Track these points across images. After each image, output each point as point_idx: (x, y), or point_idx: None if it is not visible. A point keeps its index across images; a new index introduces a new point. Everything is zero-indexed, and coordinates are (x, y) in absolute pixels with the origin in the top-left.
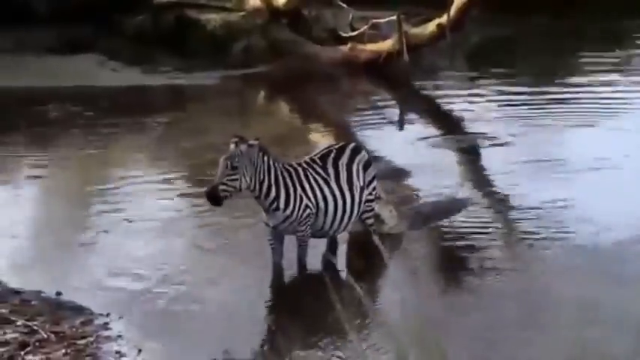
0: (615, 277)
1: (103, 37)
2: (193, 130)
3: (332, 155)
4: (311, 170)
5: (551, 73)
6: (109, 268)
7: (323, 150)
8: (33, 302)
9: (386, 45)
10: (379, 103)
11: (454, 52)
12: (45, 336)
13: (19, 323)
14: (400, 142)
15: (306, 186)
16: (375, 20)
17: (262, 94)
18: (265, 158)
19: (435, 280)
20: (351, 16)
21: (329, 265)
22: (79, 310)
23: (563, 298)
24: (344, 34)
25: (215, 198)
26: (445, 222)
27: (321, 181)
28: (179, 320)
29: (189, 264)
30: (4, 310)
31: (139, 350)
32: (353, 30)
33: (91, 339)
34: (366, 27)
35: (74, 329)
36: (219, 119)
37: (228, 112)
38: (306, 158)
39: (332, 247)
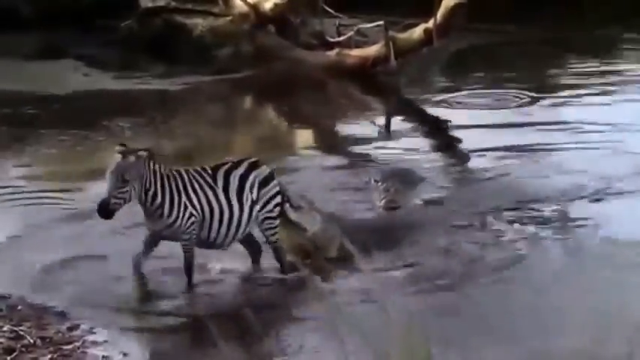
0: None
1: (84, 43)
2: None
3: (226, 166)
4: (199, 178)
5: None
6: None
7: (219, 162)
8: (19, 307)
9: (373, 50)
10: (366, 108)
11: (438, 58)
12: (31, 341)
13: (5, 328)
14: (387, 145)
15: (192, 194)
16: (361, 26)
17: (246, 98)
18: (152, 165)
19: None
20: (337, 21)
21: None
22: (65, 315)
23: None
24: (331, 39)
25: (107, 212)
26: None
27: (207, 189)
28: None
29: None
30: None
31: (124, 354)
32: (340, 35)
33: (78, 344)
34: (352, 32)
35: (60, 334)
36: (187, 123)
37: (200, 115)
38: (197, 167)
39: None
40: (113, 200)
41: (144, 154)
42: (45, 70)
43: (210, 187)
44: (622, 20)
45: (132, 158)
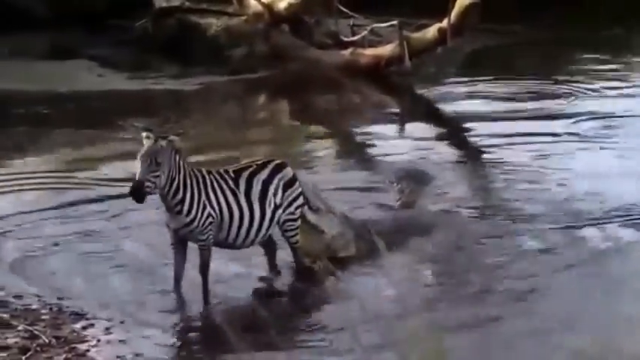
0: None
1: (98, 43)
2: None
3: (250, 170)
4: (221, 181)
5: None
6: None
7: (243, 164)
8: (34, 307)
9: (387, 50)
10: (381, 108)
11: (453, 58)
12: (46, 341)
13: (20, 328)
14: (402, 145)
15: (211, 195)
16: (375, 25)
17: (260, 98)
18: (177, 157)
19: None
20: (352, 21)
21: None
22: (80, 314)
23: None
24: (345, 39)
25: (140, 195)
26: None
27: (228, 193)
28: None
29: None
30: (5, 315)
31: (137, 354)
32: (354, 35)
33: (92, 343)
34: (366, 32)
35: (75, 334)
36: (201, 123)
37: (215, 115)
38: (220, 169)
39: (271, 264)
40: (147, 183)
41: (175, 138)
42: (58, 70)
43: (232, 191)
44: (624, 20)
45: (163, 143)
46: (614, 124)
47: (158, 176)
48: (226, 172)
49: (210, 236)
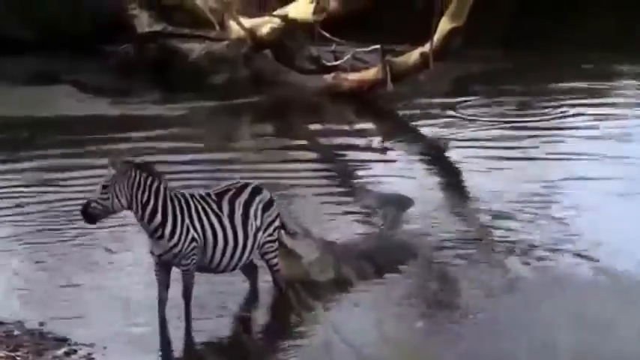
0: None
1: (81, 68)
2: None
3: (230, 193)
4: (204, 204)
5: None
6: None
7: (222, 187)
8: (16, 333)
9: (369, 74)
10: (363, 132)
11: (436, 83)
12: None
13: (1, 354)
14: (384, 169)
15: (195, 218)
16: (357, 49)
17: (242, 123)
18: (153, 182)
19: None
20: (334, 46)
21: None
22: (62, 340)
23: None
24: (327, 63)
25: (85, 215)
26: None
27: (212, 216)
28: None
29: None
30: None
31: None
32: (336, 60)
33: None
34: (348, 56)
35: (58, 359)
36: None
37: (197, 140)
38: (202, 192)
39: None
40: (92, 204)
41: (128, 162)
42: (39, 96)
43: (216, 214)
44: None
45: (114, 168)
46: None
47: (107, 198)
48: (208, 195)
49: (194, 260)
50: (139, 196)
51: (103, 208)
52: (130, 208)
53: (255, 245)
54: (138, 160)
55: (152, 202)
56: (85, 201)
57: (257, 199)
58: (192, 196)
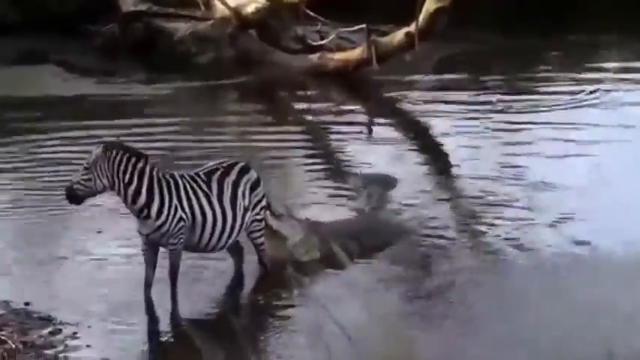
0: None
1: (68, 48)
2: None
3: (218, 172)
4: (193, 184)
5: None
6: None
7: (210, 166)
8: (1, 312)
9: (355, 54)
10: (348, 111)
11: (423, 63)
12: (13, 346)
13: None
14: (370, 149)
15: (184, 198)
16: (343, 29)
17: (226, 102)
18: (137, 163)
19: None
20: (319, 25)
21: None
22: (47, 319)
23: None
24: (313, 43)
25: (70, 197)
26: None
27: (201, 196)
28: None
29: None
30: None
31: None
32: (322, 39)
33: (60, 348)
34: (333, 35)
35: (42, 339)
36: (167, 128)
37: (182, 120)
38: (191, 172)
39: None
40: (75, 186)
41: (107, 145)
42: (25, 75)
43: (205, 194)
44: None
45: (95, 149)
46: None
47: (89, 179)
48: (198, 175)
49: (182, 240)
50: (121, 175)
51: (86, 189)
52: (112, 188)
53: (243, 225)
54: (119, 140)
55: (135, 182)
56: (68, 184)
57: (245, 178)
58: (181, 176)
